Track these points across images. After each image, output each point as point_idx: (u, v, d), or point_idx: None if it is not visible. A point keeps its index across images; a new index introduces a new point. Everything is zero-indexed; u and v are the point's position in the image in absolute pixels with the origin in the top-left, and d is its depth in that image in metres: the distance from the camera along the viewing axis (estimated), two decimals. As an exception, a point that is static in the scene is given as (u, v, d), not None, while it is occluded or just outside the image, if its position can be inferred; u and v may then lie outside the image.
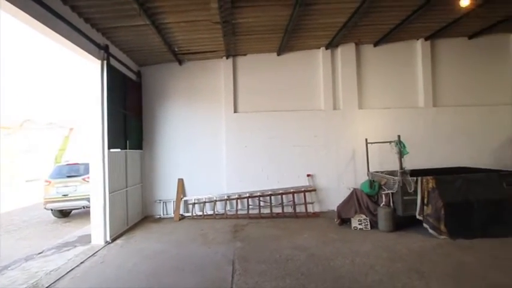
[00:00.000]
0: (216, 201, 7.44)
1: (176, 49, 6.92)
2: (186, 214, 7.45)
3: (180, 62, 7.78)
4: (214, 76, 7.81)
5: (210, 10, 5.14)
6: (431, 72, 7.65)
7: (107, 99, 5.65)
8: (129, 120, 6.87)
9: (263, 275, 3.86)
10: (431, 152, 7.41)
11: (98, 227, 5.52)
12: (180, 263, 4.42)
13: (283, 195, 7.32)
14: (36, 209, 9.51)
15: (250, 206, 7.32)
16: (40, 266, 4.48)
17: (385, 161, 6.73)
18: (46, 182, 8.02)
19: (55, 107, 18.45)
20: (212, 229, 6.23)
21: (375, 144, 6.88)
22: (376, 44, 7.63)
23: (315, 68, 7.77)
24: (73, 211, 8.79)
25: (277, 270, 3.98)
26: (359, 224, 5.77)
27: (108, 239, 5.53)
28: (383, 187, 5.86)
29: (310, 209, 7.24)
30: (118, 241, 5.63)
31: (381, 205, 5.66)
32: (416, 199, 5.36)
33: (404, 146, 5.98)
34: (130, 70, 7.13)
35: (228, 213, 7.33)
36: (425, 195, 5.29)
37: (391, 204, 5.60)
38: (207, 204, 7.49)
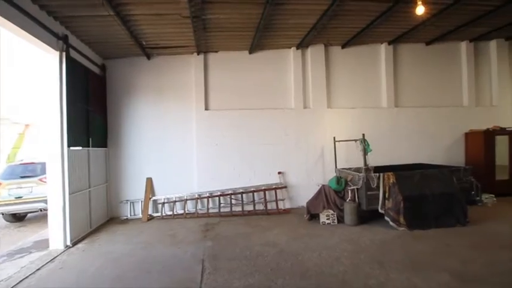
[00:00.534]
0: (186, 200, 7.29)
1: (144, 43, 6.64)
2: (155, 214, 7.22)
3: (149, 57, 7.48)
4: (185, 72, 7.62)
5: (180, 4, 5.01)
6: (394, 74, 8.14)
7: (67, 93, 5.28)
8: (93, 116, 6.48)
9: (233, 272, 3.87)
10: (392, 150, 7.88)
11: (56, 231, 5.15)
12: (147, 265, 4.27)
13: (255, 193, 7.37)
14: (-16, 214, 8.61)
15: (221, 205, 7.27)
16: (-13, 276, 4.07)
17: (351, 158, 7.04)
18: (-4, 183, 7.30)
19: (9, 102, 16.79)
20: (182, 229, 6.11)
21: (342, 142, 7.21)
22: (344, 46, 7.94)
23: (286, 68, 7.90)
24: (29, 215, 8.10)
25: (247, 267, 4.01)
26: (327, 219, 6.00)
27: (68, 243, 5.19)
28: (349, 183, 6.15)
29: (281, 205, 7.37)
30: (80, 245, 5.30)
31: (347, 200, 5.93)
32: (378, 194, 5.69)
33: (368, 144, 6.33)
34: (94, 63, 6.72)
35: (199, 212, 7.22)
36: (387, 190, 5.64)
37: (356, 199, 5.88)
38: (177, 203, 7.32)
